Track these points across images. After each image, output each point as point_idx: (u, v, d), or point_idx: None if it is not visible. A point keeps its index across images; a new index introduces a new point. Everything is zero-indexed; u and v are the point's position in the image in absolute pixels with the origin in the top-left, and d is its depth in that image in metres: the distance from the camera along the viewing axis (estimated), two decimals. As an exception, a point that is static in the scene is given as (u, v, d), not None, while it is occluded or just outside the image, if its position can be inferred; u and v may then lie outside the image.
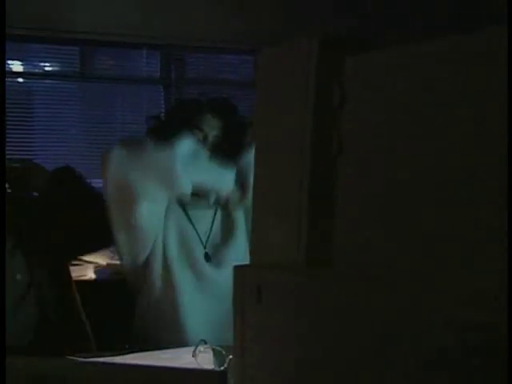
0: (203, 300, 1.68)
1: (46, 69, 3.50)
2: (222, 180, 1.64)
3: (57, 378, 0.48)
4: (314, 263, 0.67)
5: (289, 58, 0.71)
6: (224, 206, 1.77)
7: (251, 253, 0.77)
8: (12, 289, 1.47)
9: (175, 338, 1.66)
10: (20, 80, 3.47)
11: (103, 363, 0.89)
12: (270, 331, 0.63)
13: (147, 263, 1.67)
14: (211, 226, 1.73)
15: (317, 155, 0.68)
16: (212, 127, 1.68)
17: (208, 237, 1.71)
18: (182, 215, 1.70)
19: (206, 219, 1.74)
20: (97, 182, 3.67)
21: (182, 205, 1.71)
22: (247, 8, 3.46)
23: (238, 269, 0.69)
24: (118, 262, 2.93)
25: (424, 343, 0.52)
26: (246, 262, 1.86)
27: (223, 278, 1.68)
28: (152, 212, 1.61)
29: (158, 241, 1.65)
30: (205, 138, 1.67)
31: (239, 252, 1.74)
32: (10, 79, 3.42)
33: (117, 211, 1.59)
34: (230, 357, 1.39)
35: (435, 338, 0.50)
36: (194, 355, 1.42)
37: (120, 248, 1.68)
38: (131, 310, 1.95)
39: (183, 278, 1.66)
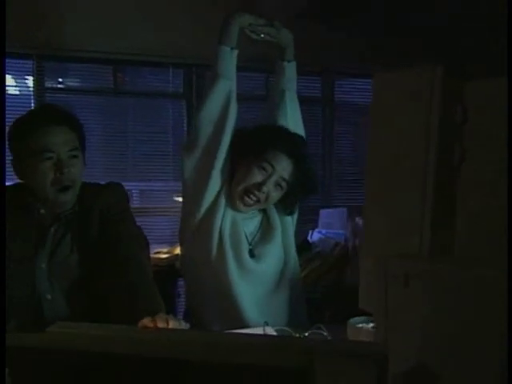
0: (246, 287, 1.72)
1: (83, 85, 3.51)
2: None
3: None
4: (437, 255, 0.72)
5: (410, 82, 0.76)
6: (265, 212, 1.83)
7: (367, 243, 0.81)
8: None
9: (225, 319, 1.69)
10: (59, 95, 3.46)
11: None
12: (413, 311, 0.67)
13: (205, 237, 1.71)
14: (258, 229, 1.79)
15: (441, 164, 0.73)
16: (282, 167, 1.68)
17: (254, 237, 1.77)
18: (236, 213, 1.73)
19: (253, 222, 1.79)
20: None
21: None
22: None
23: (381, 259, 0.73)
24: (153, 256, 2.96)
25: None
26: (281, 256, 1.89)
27: (262, 269, 1.75)
28: None
29: (216, 224, 1.69)
30: (271, 175, 1.67)
31: (276, 248, 1.80)
32: (50, 95, 3.43)
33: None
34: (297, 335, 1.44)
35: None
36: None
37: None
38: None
39: (231, 267, 1.70)
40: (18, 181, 1.52)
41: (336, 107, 4.00)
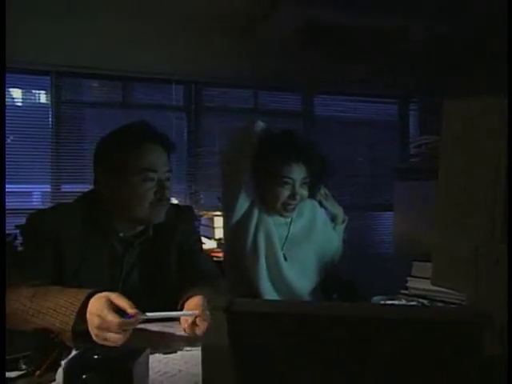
0: (276, 292, 1.72)
1: (95, 98, 3.50)
2: None
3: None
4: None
5: (479, 108, 0.88)
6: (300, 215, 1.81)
7: (441, 238, 0.93)
8: None
9: None
10: (74, 108, 3.43)
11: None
12: (502, 281, 0.79)
13: (239, 246, 1.70)
14: (287, 234, 1.76)
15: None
16: (298, 173, 1.67)
17: (284, 242, 1.75)
18: (270, 222, 1.72)
19: (284, 226, 1.77)
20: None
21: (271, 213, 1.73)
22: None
23: (477, 245, 0.85)
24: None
25: None
26: (316, 259, 1.86)
27: (294, 275, 1.73)
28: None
29: (249, 233, 1.69)
30: (294, 184, 1.67)
31: (312, 252, 1.79)
32: (65, 107, 3.40)
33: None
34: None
35: None
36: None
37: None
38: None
39: (265, 271, 1.70)
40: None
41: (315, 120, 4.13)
